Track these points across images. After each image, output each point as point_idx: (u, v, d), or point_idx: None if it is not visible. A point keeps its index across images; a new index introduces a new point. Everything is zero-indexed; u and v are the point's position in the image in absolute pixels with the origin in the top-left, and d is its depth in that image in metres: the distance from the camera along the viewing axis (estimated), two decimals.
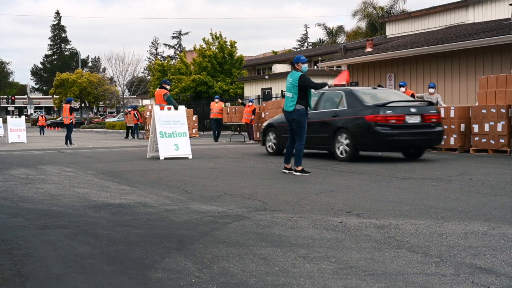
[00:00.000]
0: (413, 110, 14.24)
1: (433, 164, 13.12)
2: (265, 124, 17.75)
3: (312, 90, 11.73)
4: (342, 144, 14.37)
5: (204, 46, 49.92)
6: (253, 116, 26.05)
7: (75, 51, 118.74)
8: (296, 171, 11.31)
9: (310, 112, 12.48)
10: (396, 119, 13.82)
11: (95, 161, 15.66)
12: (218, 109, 28.88)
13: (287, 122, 11.76)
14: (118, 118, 66.29)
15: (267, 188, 9.30)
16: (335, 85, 12.06)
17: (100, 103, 76.39)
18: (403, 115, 13.89)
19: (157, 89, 18.02)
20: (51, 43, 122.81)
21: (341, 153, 14.43)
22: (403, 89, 17.77)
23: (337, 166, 13.00)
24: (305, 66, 11.49)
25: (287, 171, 11.52)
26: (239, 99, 34.60)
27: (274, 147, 16.72)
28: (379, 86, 19.67)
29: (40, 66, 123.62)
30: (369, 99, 14.44)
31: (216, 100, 29.55)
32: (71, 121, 26.28)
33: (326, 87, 12.50)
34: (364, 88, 18.08)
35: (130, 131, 37.08)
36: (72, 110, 26.56)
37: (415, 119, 14.18)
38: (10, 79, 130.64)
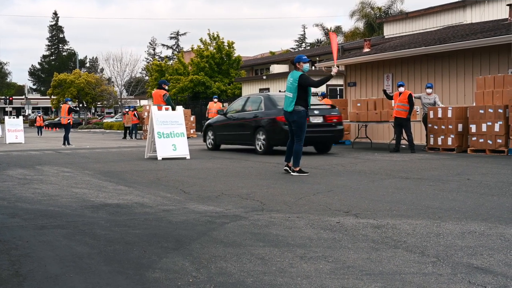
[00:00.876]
0: (316, 112, 16.87)
1: (431, 164, 13.14)
2: (205, 124, 20.90)
3: (288, 93, 11.32)
4: (260, 140, 17.26)
5: (202, 46, 49.91)
6: None
7: (73, 51, 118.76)
8: (293, 171, 11.30)
9: (237, 113, 15.66)
10: None
11: (92, 161, 15.65)
12: (216, 109, 28.90)
13: (287, 121, 11.72)
14: (116, 118, 66.23)
15: (264, 188, 9.31)
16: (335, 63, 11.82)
17: (98, 103, 76.35)
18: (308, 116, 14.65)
19: (155, 89, 18.05)
20: (49, 43, 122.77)
21: (260, 147, 17.27)
22: (402, 89, 17.79)
23: (335, 166, 13.01)
24: (306, 66, 11.35)
25: (288, 169, 11.51)
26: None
27: (213, 143, 19.70)
28: (384, 91, 19.71)
29: (38, 66, 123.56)
30: (282, 103, 15.05)
31: (215, 100, 29.58)
32: (68, 121, 26.28)
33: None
34: (278, 93, 21.20)
35: (127, 131, 37.07)
36: (70, 110, 26.56)
37: (318, 120, 16.89)
38: (8, 80, 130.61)
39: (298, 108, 11.22)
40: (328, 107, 17.92)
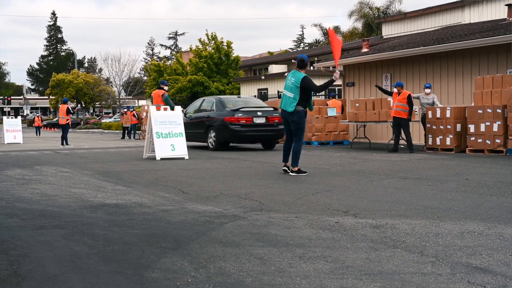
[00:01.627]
0: (259, 113, 19.49)
1: (429, 164, 13.14)
2: None
3: (289, 93, 11.30)
4: (211, 138, 19.78)
5: (200, 46, 49.91)
6: None
7: (71, 51, 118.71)
8: (292, 171, 11.29)
9: (194, 113, 18.18)
10: (245, 120, 19.20)
11: (91, 161, 15.64)
12: None
13: (284, 121, 11.68)
14: (114, 118, 66.21)
15: (263, 188, 9.31)
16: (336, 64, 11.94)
17: (96, 103, 76.32)
18: (251, 117, 19.28)
19: (155, 89, 18.08)
20: (47, 43, 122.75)
21: (211, 144, 19.80)
22: (395, 89, 17.84)
23: (334, 166, 13.01)
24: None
25: (286, 168, 11.52)
26: None
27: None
28: (376, 86, 19.72)
29: (36, 66, 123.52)
30: (231, 105, 19.95)
31: None
32: (67, 121, 26.27)
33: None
34: (230, 96, 24.05)
35: (126, 131, 37.06)
36: (69, 111, 26.54)
37: (261, 120, 19.45)
38: (6, 80, 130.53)
39: (299, 108, 11.22)
40: (271, 109, 20.23)
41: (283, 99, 11.47)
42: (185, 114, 20.76)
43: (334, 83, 11.58)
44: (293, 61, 32.53)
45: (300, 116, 11.25)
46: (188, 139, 19.31)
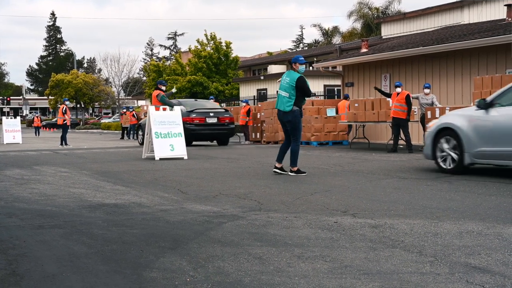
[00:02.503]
0: (211, 114, 22.56)
1: (428, 164, 13.14)
2: (137, 124, 26.10)
3: (284, 93, 11.33)
4: None
5: (199, 47, 49.91)
6: (248, 117, 26.02)
7: (70, 52, 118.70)
8: (291, 171, 11.27)
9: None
10: (199, 120, 22.22)
11: (90, 161, 15.64)
12: None
13: (280, 122, 11.66)
14: (113, 119, 66.23)
15: (262, 188, 9.31)
16: None
17: (96, 104, 76.34)
18: (204, 117, 22.33)
19: (154, 90, 18.12)
20: (47, 44, 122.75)
21: None
22: (399, 89, 17.82)
23: (333, 166, 13.02)
24: (302, 67, 11.36)
25: (278, 171, 11.42)
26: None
27: (142, 139, 22.90)
28: (375, 88, 19.70)
29: (36, 67, 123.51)
30: (188, 108, 22.47)
31: (211, 100, 29.54)
32: (64, 121, 26.26)
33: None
34: (188, 100, 26.71)
35: (125, 131, 37.05)
36: (65, 111, 26.55)
37: (213, 120, 22.41)
38: (6, 80, 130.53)
39: (294, 108, 11.20)
40: (222, 110, 23.73)
41: (278, 99, 11.44)
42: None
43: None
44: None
45: (295, 116, 11.21)
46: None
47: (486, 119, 10.49)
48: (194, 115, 22.17)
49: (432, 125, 11.87)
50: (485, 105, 10.48)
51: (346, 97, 23.92)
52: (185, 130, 19.40)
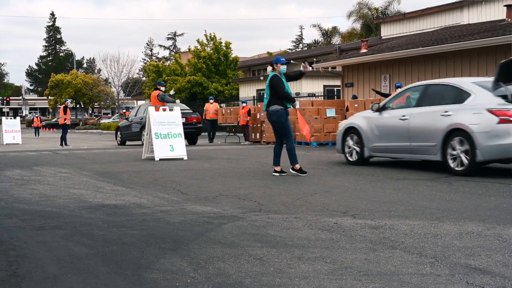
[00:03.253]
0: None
1: (428, 165, 13.13)
2: (116, 126, 28.34)
3: (266, 95, 11.41)
4: (143, 136, 21.87)
5: (199, 47, 49.90)
6: (249, 116, 26.04)
7: (70, 52, 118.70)
8: (293, 169, 11.25)
9: (134, 117, 24.21)
10: None
11: (90, 162, 15.64)
12: (214, 110, 28.89)
13: (270, 123, 11.71)
14: (113, 119, 66.22)
15: (262, 189, 9.31)
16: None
17: (95, 104, 76.38)
18: None
19: (153, 90, 18.12)
20: (46, 44, 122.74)
21: (143, 141, 22.36)
22: (399, 90, 17.85)
23: (332, 167, 13.02)
24: (283, 68, 11.39)
25: (277, 174, 11.39)
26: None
27: (120, 140, 26.63)
28: (374, 90, 19.71)
29: (35, 67, 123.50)
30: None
31: (211, 101, 29.54)
32: (64, 121, 26.27)
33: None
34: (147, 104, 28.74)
35: None
36: (66, 109, 26.55)
37: (182, 120, 21.80)
38: (5, 80, 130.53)
39: (274, 107, 11.19)
40: (190, 111, 26.06)
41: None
42: (127, 118, 26.69)
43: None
44: (292, 61, 32.50)
45: (279, 115, 11.21)
46: (128, 138, 26.38)
47: (378, 120, 12.81)
48: None
49: (341, 125, 14.09)
50: (378, 109, 12.85)
51: (354, 98, 23.86)
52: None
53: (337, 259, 4.85)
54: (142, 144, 21.26)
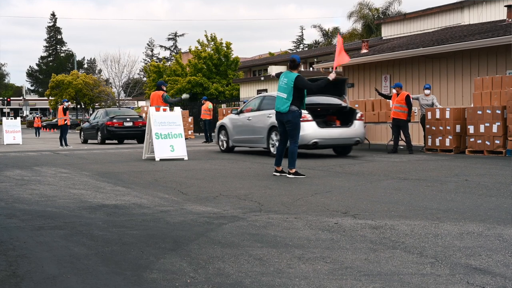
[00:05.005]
0: (128, 119, 29.06)
1: (429, 165, 13.14)
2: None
3: (282, 94, 11.25)
4: (99, 136, 29.01)
5: (200, 47, 49.90)
6: None
7: (70, 52, 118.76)
8: (289, 173, 11.09)
9: (93, 120, 29.49)
10: (118, 123, 28.80)
11: (90, 162, 15.64)
12: (204, 109, 28.96)
13: (278, 123, 11.51)
14: None
15: (262, 189, 9.30)
16: (337, 67, 12.73)
17: (96, 104, 76.33)
18: (122, 121, 28.86)
19: (154, 91, 18.05)
20: (47, 44, 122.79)
21: (98, 140, 29.00)
22: (394, 90, 17.88)
23: (333, 167, 13.01)
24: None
25: (278, 174, 11.36)
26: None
27: (83, 140, 30.79)
28: (376, 90, 19.66)
29: (36, 67, 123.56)
30: (112, 114, 29.45)
31: (203, 101, 29.75)
32: (65, 122, 26.26)
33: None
34: (113, 109, 33.97)
35: None
36: (65, 111, 26.54)
37: (129, 124, 29.06)
38: (6, 81, 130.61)
39: (293, 108, 11.09)
40: (137, 116, 30.34)
41: (276, 101, 11.31)
42: (88, 121, 31.49)
43: (340, 63, 11.62)
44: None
45: (295, 116, 11.09)
46: (88, 138, 30.54)
47: (237, 120, 18.01)
48: (115, 120, 28.85)
49: (217, 124, 19.33)
50: (238, 112, 18.10)
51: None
52: (107, 131, 28.54)
53: (337, 259, 4.84)
54: (98, 143, 27.68)
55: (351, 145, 16.53)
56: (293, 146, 11.12)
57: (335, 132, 16.14)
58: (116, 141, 29.82)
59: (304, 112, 14.54)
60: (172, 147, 15.73)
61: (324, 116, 16.66)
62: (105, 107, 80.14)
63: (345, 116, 16.62)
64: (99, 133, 28.90)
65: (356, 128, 16.24)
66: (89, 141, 30.68)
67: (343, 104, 16.87)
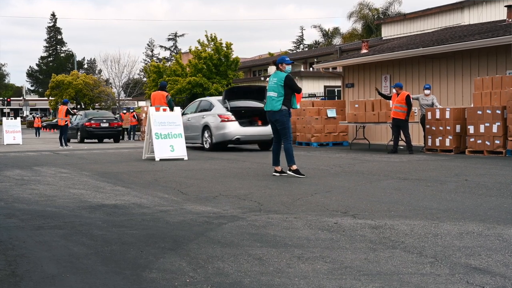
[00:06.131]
0: (104, 120, 32.80)
1: (429, 165, 13.14)
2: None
3: (272, 93, 11.35)
4: (78, 136, 32.64)
5: (200, 48, 49.87)
6: None
7: (70, 53, 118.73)
8: (290, 170, 11.16)
9: (75, 121, 31.30)
10: (95, 124, 32.47)
11: (90, 162, 15.63)
12: None
13: (270, 122, 11.64)
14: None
15: (262, 189, 9.30)
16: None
17: (96, 104, 76.36)
18: (99, 122, 32.56)
19: (156, 90, 18.02)
20: (47, 45, 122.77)
21: (77, 140, 32.40)
22: (394, 90, 17.87)
23: (333, 167, 13.01)
24: (289, 67, 11.37)
25: (277, 174, 11.39)
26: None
27: (80, 138, 32.23)
28: (376, 90, 19.64)
29: (36, 68, 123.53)
30: (90, 116, 33.19)
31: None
32: (66, 122, 26.27)
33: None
34: (94, 111, 38.97)
35: (126, 132, 37.09)
36: (68, 112, 26.54)
37: (106, 124, 32.72)
38: (6, 81, 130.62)
39: (283, 107, 11.17)
40: (113, 117, 34.58)
41: (267, 101, 11.43)
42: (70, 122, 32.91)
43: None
44: (294, 63, 32.54)
45: (283, 115, 11.17)
46: (69, 138, 30.93)
47: (185, 120, 19.76)
48: (93, 121, 32.61)
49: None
50: (182, 114, 18.37)
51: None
52: (85, 131, 32.12)
53: (337, 259, 4.84)
54: (78, 142, 30.59)
55: (268, 141, 19.39)
56: (286, 144, 11.19)
57: (254, 130, 19.88)
58: (96, 140, 33.39)
59: (228, 114, 19.44)
60: (172, 147, 15.73)
61: (250, 117, 20.24)
62: (105, 108, 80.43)
63: (265, 117, 17.48)
64: (78, 132, 32.62)
65: None
66: (71, 140, 32.77)
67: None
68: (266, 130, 18.80)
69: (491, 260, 4.71)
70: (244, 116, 20.03)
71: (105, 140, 33.70)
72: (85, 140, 32.67)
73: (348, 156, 16.37)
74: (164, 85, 17.80)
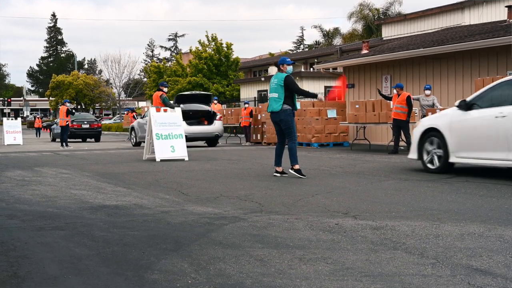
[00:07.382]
0: (85, 122, 35.34)
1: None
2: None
3: (273, 94, 11.36)
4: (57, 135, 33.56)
5: (200, 48, 49.90)
6: (251, 118, 26.03)
7: (71, 53, 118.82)
8: (292, 169, 11.16)
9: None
10: (77, 126, 34.48)
11: (91, 163, 15.64)
12: (217, 110, 28.86)
13: (274, 123, 11.64)
14: (114, 120, 66.26)
15: (263, 190, 9.30)
16: (334, 87, 12.74)
17: (96, 105, 76.44)
18: (80, 124, 34.87)
19: (156, 91, 18.09)
20: (47, 45, 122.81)
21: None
22: (395, 91, 17.87)
23: (333, 168, 13.01)
24: (290, 68, 11.40)
25: (278, 175, 11.39)
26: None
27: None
28: (378, 90, 19.61)
29: (36, 68, 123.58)
30: (73, 118, 32.13)
31: (215, 101, 29.43)
32: (67, 123, 26.29)
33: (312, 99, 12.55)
34: (76, 113, 39.58)
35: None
36: (68, 112, 26.55)
37: (86, 126, 35.10)
38: (6, 81, 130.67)
39: (285, 107, 11.19)
40: (93, 119, 37.14)
41: (269, 102, 11.46)
42: (56, 123, 34.51)
43: (334, 84, 11.68)
44: (295, 63, 32.52)
45: (287, 114, 11.20)
46: (55, 138, 34.82)
47: (142, 123, 21.49)
48: (75, 122, 34.26)
49: (130, 126, 23.86)
50: (142, 117, 18.98)
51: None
52: (67, 132, 30.28)
53: (338, 260, 4.84)
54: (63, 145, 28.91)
55: (212, 138, 23.77)
56: (291, 144, 11.23)
57: (200, 129, 23.33)
58: (80, 140, 35.91)
59: None
60: (172, 147, 15.73)
61: (198, 118, 23.81)
62: (105, 108, 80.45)
63: (210, 118, 24.02)
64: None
65: (216, 126, 23.86)
66: (56, 139, 35.16)
67: (209, 109, 24.37)
68: (210, 128, 23.46)
69: (492, 261, 4.71)
70: (192, 117, 23.49)
71: (86, 139, 36.14)
72: (68, 140, 33.16)
73: (349, 157, 16.37)
74: (160, 85, 17.82)
